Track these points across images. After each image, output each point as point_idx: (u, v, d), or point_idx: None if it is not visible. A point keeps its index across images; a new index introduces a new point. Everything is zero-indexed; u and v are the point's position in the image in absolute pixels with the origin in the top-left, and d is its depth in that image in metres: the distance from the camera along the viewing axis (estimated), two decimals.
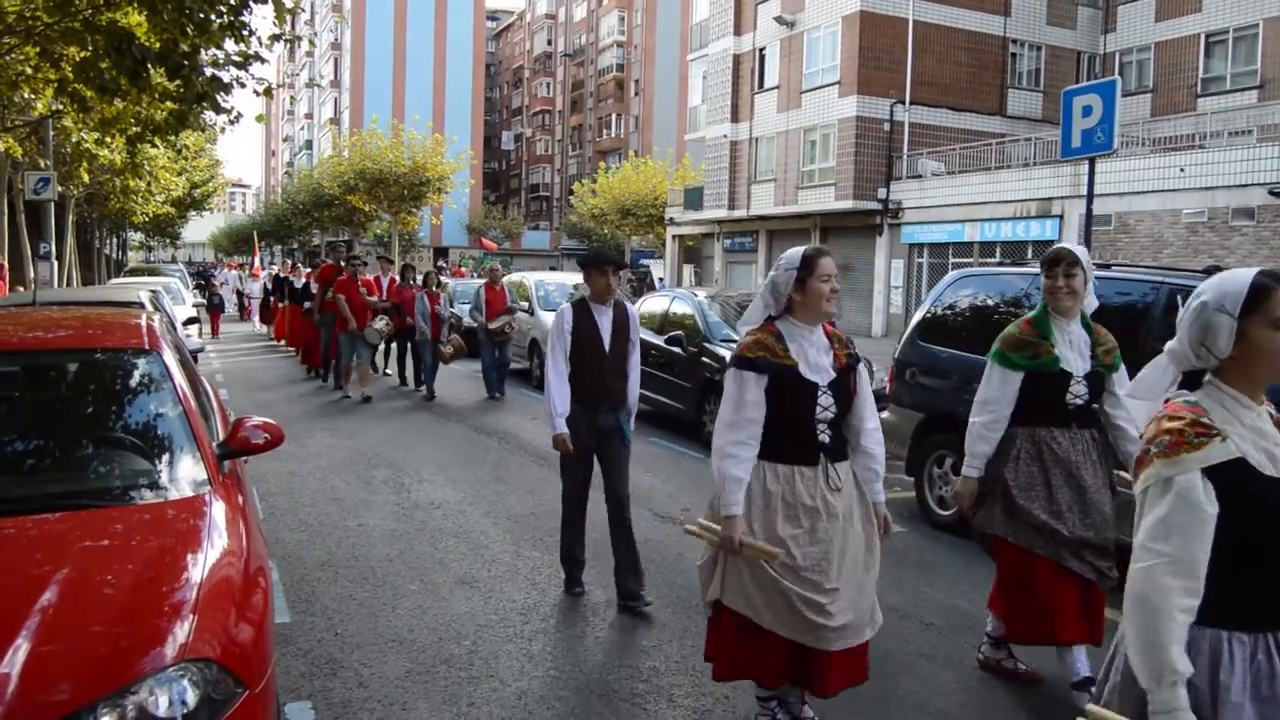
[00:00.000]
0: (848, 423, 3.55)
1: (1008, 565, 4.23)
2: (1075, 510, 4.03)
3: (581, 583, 5.48)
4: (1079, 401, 4.13)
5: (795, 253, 3.48)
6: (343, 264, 13.85)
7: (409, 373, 14.61)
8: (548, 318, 14.62)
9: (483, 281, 14.43)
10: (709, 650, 3.73)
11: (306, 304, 16.02)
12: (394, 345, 14.96)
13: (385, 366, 15.88)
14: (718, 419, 3.47)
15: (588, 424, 5.21)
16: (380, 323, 13.31)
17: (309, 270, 18.16)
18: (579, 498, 5.42)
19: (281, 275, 21.67)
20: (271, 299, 22.52)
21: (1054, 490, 4.06)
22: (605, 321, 5.26)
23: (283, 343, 20.31)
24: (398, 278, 14.63)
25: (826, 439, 3.45)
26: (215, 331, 24.02)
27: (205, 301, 24.95)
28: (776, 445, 3.42)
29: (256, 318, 26.43)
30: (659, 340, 11.13)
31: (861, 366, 3.66)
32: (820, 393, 3.42)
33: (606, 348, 5.22)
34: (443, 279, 15.75)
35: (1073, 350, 4.13)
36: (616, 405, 5.28)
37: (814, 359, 3.45)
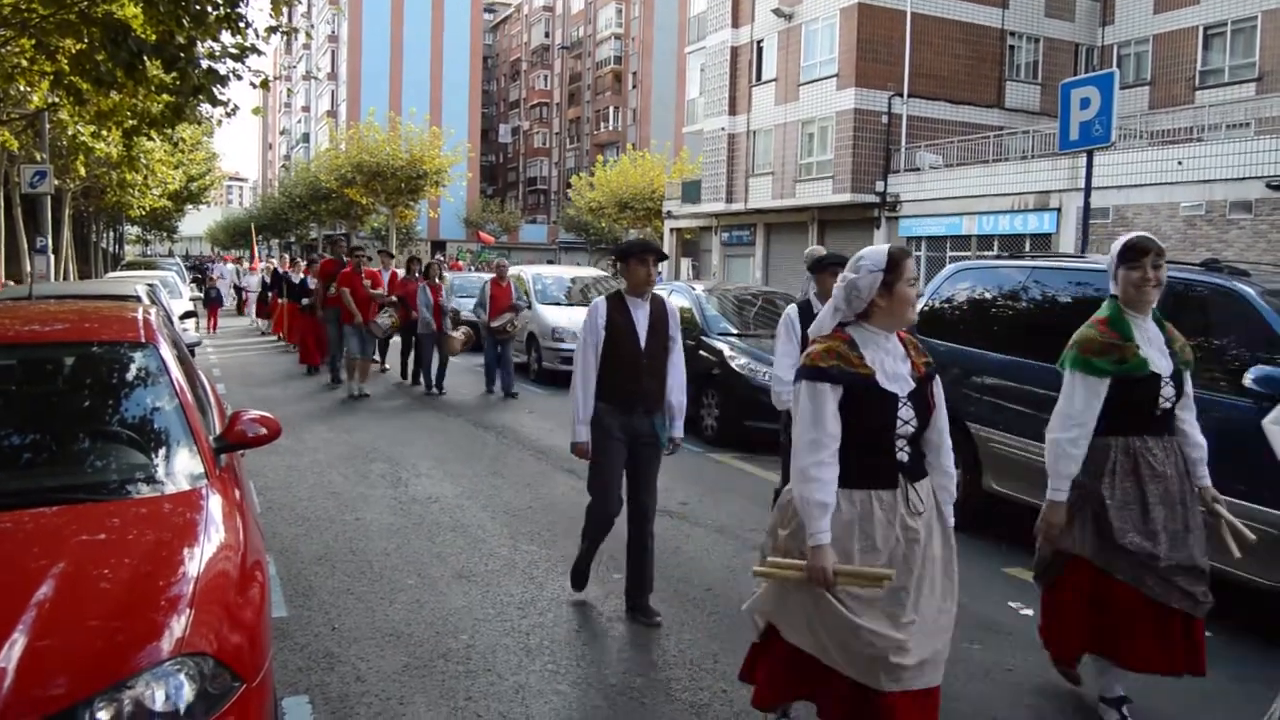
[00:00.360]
0: (926, 438, 3.20)
1: (1074, 585, 3.91)
2: (1168, 531, 3.72)
3: (585, 587, 5.33)
4: (1168, 404, 3.81)
5: (878, 252, 3.10)
6: (345, 257, 13.60)
7: (411, 368, 14.31)
8: (545, 311, 14.62)
9: (489, 276, 14.06)
10: (749, 673, 3.42)
11: (305, 300, 15.81)
12: (397, 340, 14.75)
13: (384, 362, 15.62)
14: (795, 439, 3.06)
15: (620, 425, 4.87)
16: (385, 316, 13.04)
17: (307, 265, 17.83)
18: (606, 513, 5.01)
19: (279, 270, 21.35)
20: (269, 294, 22.24)
21: (1149, 508, 3.73)
22: (641, 316, 4.90)
23: (280, 338, 20.09)
24: (400, 271, 14.40)
25: (905, 456, 3.11)
26: (213, 327, 23.66)
27: (202, 296, 24.78)
28: (850, 467, 3.03)
29: (253, 311, 26.13)
30: None
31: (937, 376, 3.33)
32: (900, 405, 3.06)
33: (642, 344, 4.86)
34: (444, 272, 15.47)
35: (1153, 348, 3.80)
36: (652, 408, 4.92)
37: (891, 368, 3.09)
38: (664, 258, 4.99)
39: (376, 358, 14.79)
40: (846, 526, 3.02)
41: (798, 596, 3.05)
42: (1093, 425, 3.76)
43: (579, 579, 5.27)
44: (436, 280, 13.29)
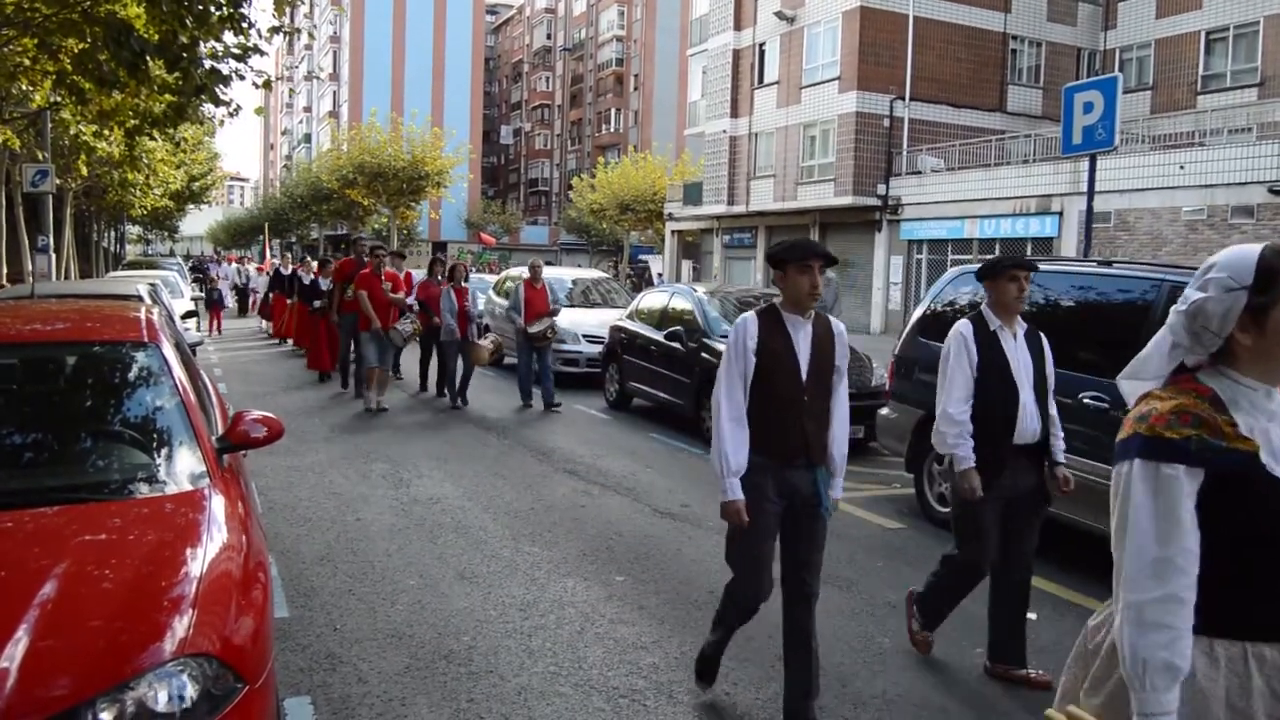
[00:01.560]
0: None
1: None
2: None
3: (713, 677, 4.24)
4: None
5: (1238, 259, 1.89)
6: (365, 256, 12.62)
7: (432, 379, 13.19)
8: None
9: (522, 279, 12.85)
10: None
11: (317, 302, 14.99)
12: (417, 348, 13.69)
13: (397, 373, 14.20)
14: (1124, 556, 1.87)
15: (776, 483, 3.76)
16: (406, 322, 12.03)
17: (319, 265, 16.62)
18: (753, 595, 3.93)
19: (284, 270, 20.48)
20: (270, 295, 21.62)
21: None
22: (803, 340, 3.76)
23: (289, 342, 19.17)
24: (416, 272, 13.57)
25: None
26: (215, 328, 22.96)
27: (204, 296, 24.16)
28: (1213, 606, 1.85)
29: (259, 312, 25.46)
30: (658, 336, 11.13)
31: None
32: None
33: (804, 376, 3.74)
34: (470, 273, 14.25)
35: None
36: (816, 459, 3.78)
37: (1278, 440, 1.90)
38: (833, 262, 3.83)
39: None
40: (1205, 701, 1.87)
41: None
42: None
43: (707, 672, 4.20)
44: (462, 283, 12.20)
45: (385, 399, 11.75)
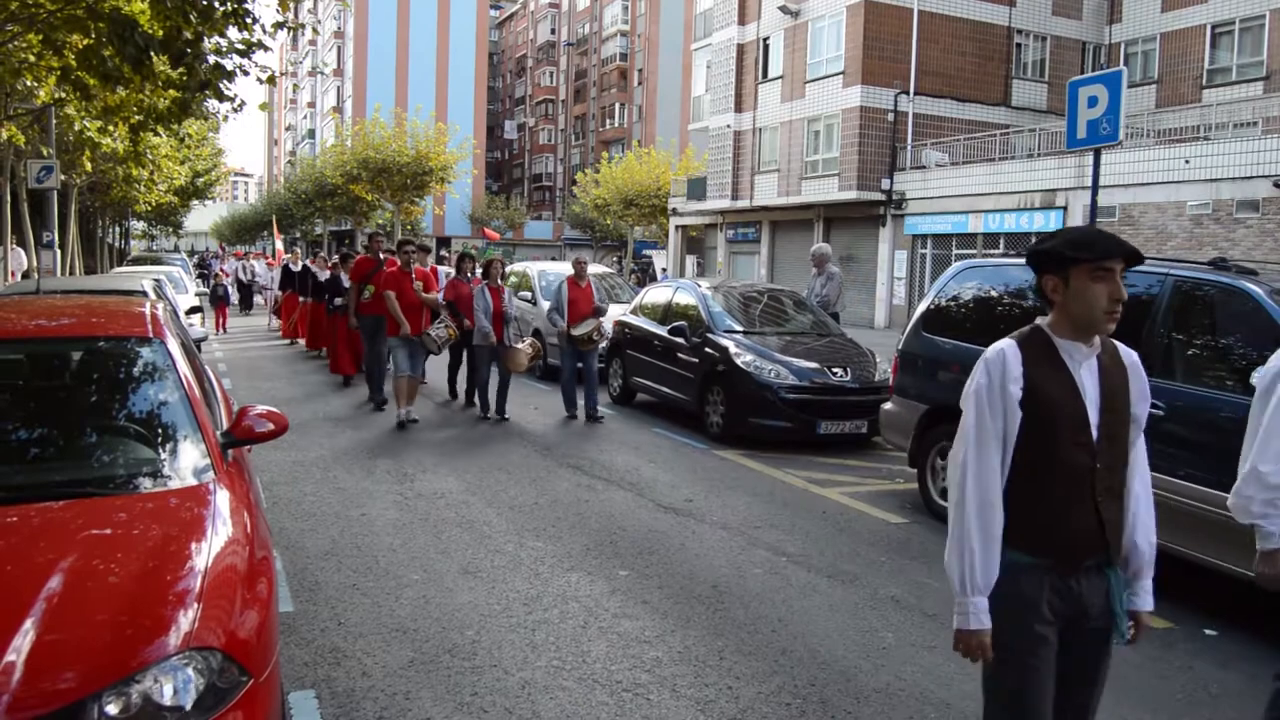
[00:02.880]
0: None
1: None
2: None
3: None
4: None
5: None
6: (383, 252, 11.72)
7: (462, 386, 12.06)
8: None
9: (564, 276, 11.64)
10: None
11: (337, 300, 13.82)
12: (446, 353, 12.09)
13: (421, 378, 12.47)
14: None
15: (1053, 594, 2.54)
16: (441, 326, 10.76)
17: (338, 258, 15.04)
18: None
19: (294, 267, 19.06)
20: (279, 293, 20.39)
21: None
22: (1089, 379, 2.57)
23: (301, 344, 18.10)
24: (444, 268, 12.67)
25: None
26: (220, 326, 21.90)
27: (209, 292, 23.41)
28: None
29: (271, 310, 24.30)
30: (662, 331, 11.13)
31: None
32: None
33: (1095, 433, 2.54)
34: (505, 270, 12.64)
35: None
36: (1108, 558, 2.59)
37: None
38: (1139, 260, 2.63)
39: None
40: None
41: None
42: None
43: None
44: (498, 281, 11.00)
45: (414, 409, 10.55)
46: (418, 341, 10.62)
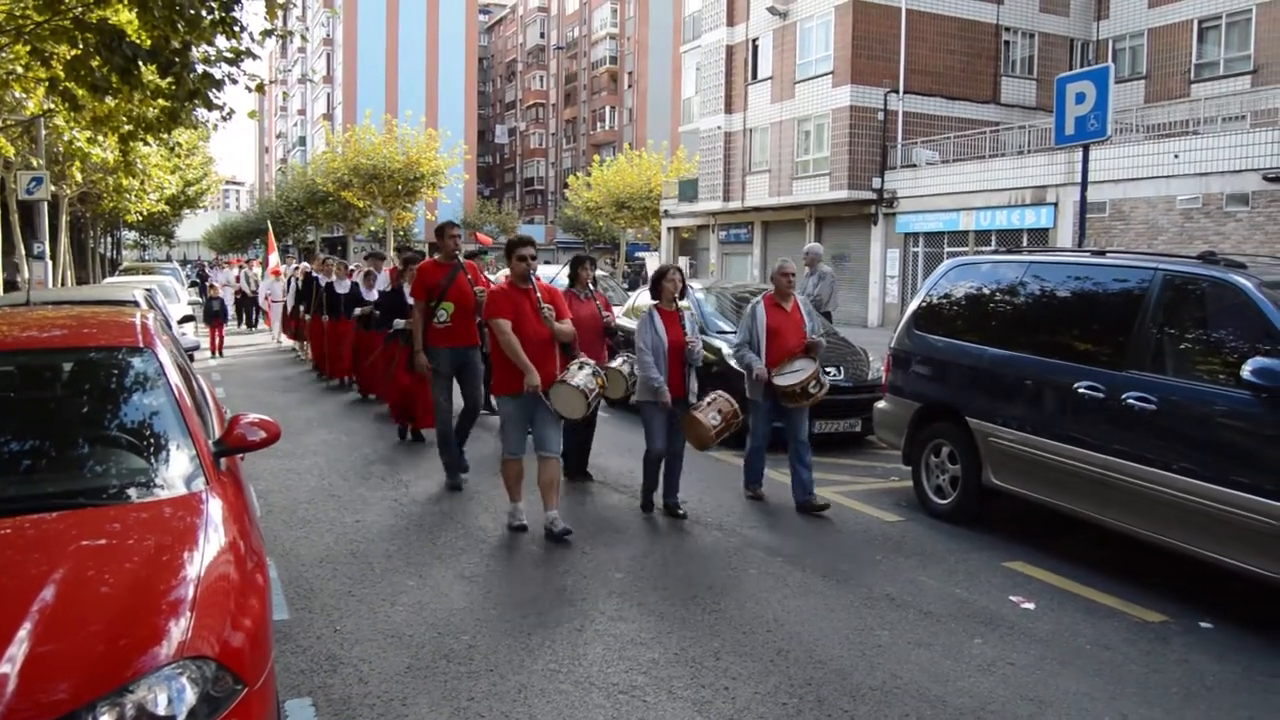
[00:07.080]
0: None
1: None
2: None
3: None
4: None
5: None
6: (459, 254, 8.19)
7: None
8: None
9: (760, 294, 7.76)
10: None
11: (357, 310, 11.86)
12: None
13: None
14: None
15: None
16: (584, 372, 6.34)
17: (401, 262, 10.56)
18: None
19: (320, 278, 14.84)
20: (300, 309, 16.39)
21: None
22: None
23: (341, 380, 13.87)
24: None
25: None
26: (216, 348, 18.64)
27: (203, 305, 21.48)
28: None
29: (278, 327, 20.89)
30: None
31: None
32: None
33: None
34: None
35: None
36: None
37: None
38: None
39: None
40: None
41: None
42: None
43: None
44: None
45: (559, 514, 6.41)
46: (545, 400, 6.28)
